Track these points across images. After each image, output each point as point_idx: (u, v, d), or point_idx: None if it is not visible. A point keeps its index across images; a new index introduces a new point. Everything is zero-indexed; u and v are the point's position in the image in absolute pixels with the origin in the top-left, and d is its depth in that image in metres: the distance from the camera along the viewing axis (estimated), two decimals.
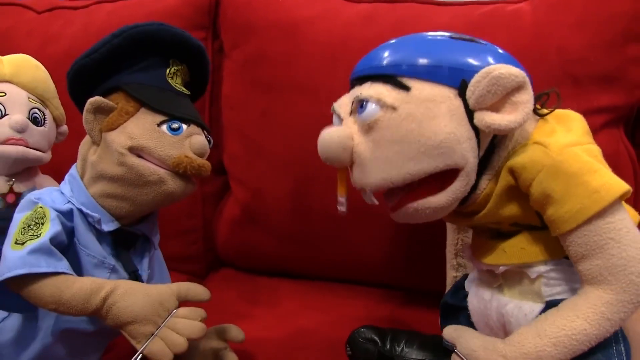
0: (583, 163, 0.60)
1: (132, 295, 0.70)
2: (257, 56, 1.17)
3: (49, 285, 0.68)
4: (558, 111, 0.69)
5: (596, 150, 0.65)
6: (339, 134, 0.66)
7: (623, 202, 0.62)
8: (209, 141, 0.81)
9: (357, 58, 0.74)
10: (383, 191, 0.70)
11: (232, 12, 1.21)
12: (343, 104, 0.70)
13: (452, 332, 0.70)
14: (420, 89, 0.63)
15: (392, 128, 0.63)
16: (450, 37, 0.67)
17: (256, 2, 1.18)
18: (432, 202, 0.65)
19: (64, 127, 1.01)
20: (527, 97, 0.61)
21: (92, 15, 1.33)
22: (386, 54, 0.67)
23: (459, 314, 0.78)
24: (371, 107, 0.64)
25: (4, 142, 0.89)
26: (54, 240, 0.71)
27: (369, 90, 0.65)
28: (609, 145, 0.94)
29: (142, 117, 0.77)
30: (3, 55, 0.96)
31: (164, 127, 0.77)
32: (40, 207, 0.74)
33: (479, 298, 0.73)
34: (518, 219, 0.67)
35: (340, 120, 0.69)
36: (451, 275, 0.90)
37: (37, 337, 0.77)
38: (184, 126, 0.78)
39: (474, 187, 0.66)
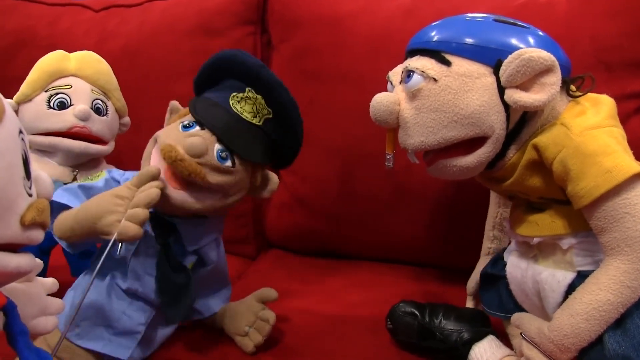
0: (599, 145, 0.64)
1: (86, 204, 0.76)
2: (304, 48, 1.20)
3: (62, 215, 0.77)
4: (592, 95, 0.72)
5: (617, 132, 0.68)
6: (388, 99, 0.73)
7: None
8: (225, 157, 0.79)
9: (398, 49, 0.79)
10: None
11: (279, 8, 1.25)
12: (396, 73, 0.77)
13: (515, 320, 0.74)
14: (460, 64, 0.69)
15: (431, 97, 0.70)
16: (494, 20, 0.72)
17: None
18: (460, 162, 0.72)
19: (127, 119, 1.06)
20: (554, 80, 0.65)
21: (146, 13, 1.37)
22: (435, 31, 0.73)
23: (499, 282, 0.82)
24: (416, 77, 0.71)
25: (70, 129, 0.95)
26: (81, 187, 0.81)
27: (416, 62, 0.72)
28: None
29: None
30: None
31: (182, 124, 0.80)
32: (103, 172, 0.85)
33: (516, 267, 0.77)
34: (542, 192, 0.71)
35: (393, 87, 0.77)
36: (486, 246, 0.94)
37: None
38: (197, 128, 0.79)
39: (502, 155, 0.72)
